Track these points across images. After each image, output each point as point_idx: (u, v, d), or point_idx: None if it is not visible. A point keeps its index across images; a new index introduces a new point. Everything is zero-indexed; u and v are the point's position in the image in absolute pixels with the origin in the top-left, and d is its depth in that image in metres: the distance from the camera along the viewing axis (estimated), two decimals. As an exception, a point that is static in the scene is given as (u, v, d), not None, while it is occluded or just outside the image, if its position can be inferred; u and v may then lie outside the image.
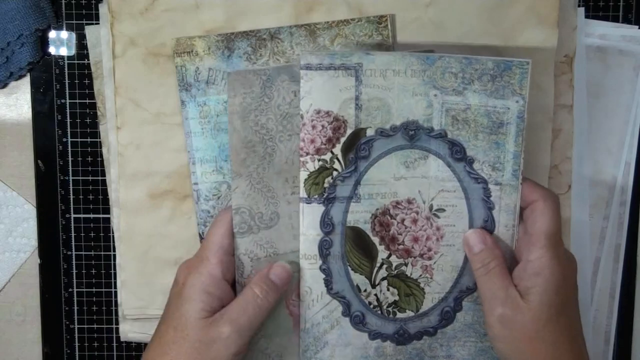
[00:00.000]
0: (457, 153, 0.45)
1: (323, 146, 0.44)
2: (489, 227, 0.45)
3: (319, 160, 0.44)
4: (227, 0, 0.51)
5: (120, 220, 0.53)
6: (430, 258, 0.46)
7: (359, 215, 0.45)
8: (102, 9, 0.52)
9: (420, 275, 0.46)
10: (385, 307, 0.46)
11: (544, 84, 0.52)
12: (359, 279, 0.46)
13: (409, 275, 0.46)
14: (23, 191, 0.56)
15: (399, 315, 0.47)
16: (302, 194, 0.44)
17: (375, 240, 0.46)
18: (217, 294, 0.44)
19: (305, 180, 0.44)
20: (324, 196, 0.45)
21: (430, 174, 0.45)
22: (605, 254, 0.56)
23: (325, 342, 0.46)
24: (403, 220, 0.46)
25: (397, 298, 0.46)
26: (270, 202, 0.46)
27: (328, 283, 0.46)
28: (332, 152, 0.44)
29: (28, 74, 0.54)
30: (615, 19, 0.54)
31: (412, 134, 0.44)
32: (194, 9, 0.51)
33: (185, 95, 0.51)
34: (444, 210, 0.45)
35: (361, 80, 0.44)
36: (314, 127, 0.44)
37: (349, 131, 0.44)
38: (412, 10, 0.51)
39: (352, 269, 0.46)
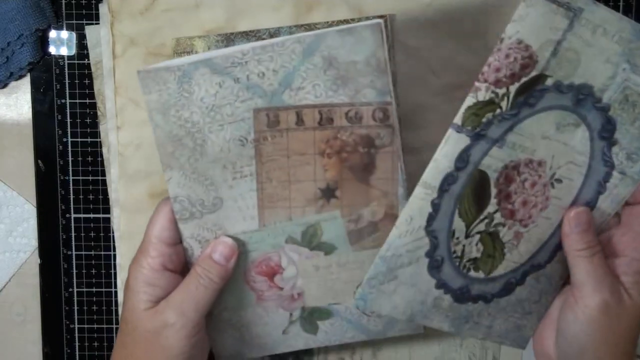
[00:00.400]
0: (607, 132, 0.43)
1: (504, 79, 0.41)
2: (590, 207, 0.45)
3: (492, 92, 0.41)
4: (227, 0, 0.51)
5: (120, 220, 0.53)
6: (526, 226, 0.45)
7: (494, 161, 0.43)
8: (102, 9, 0.52)
9: (509, 240, 0.45)
10: (464, 261, 0.45)
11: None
12: (459, 224, 0.44)
13: (501, 237, 0.45)
14: (23, 191, 0.56)
15: (472, 273, 0.46)
16: (457, 119, 0.42)
17: (494, 191, 0.44)
18: (160, 284, 0.44)
19: (469, 107, 0.42)
20: (476, 131, 0.42)
21: (571, 142, 0.44)
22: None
23: (395, 276, 0.45)
24: (525, 180, 0.44)
25: (479, 255, 0.45)
26: (209, 188, 0.45)
27: (430, 219, 0.44)
28: (507, 89, 0.42)
29: (28, 74, 0.54)
30: (615, 19, 0.54)
31: (580, 99, 0.43)
32: (194, 9, 0.51)
33: (185, 95, 0.51)
34: (561, 181, 0.44)
35: (573, 26, 0.41)
36: (507, 56, 0.41)
37: (533, 73, 0.42)
38: (412, 10, 0.51)
39: (459, 213, 0.44)
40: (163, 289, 0.44)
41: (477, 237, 0.45)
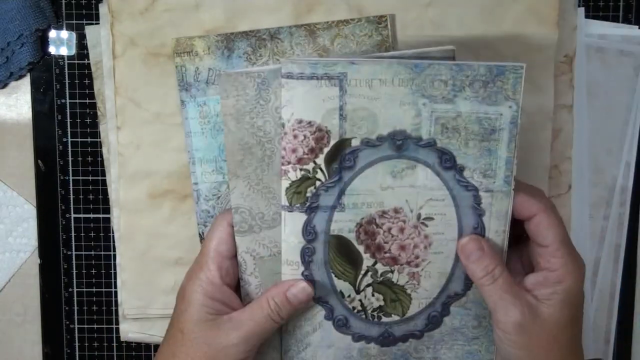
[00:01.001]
0: (447, 162, 0.44)
1: (305, 156, 0.43)
2: (478, 233, 0.45)
3: (300, 169, 0.43)
4: (227, 0, 0.51)
5: (120, 220, 0.53)
6: (417, 265, 0.45)
7: (343, 224, 0.44)
8: (102, 9, 0.52)
9: (407, 282, 0.46)
10: (370, 311, 0.46)
11: (544, 84, 0.52)
12: (342, 285, 0.45)
13: (395, 282, 0.45)
14: (23, 191, 0.56)
15: (385, 319, 0.46)
16: (284, 202, 0.43)
17: (360, 248, 0.45)
18: (219, 298, 0.44)
19: (287, 188, 0.43)
20: (306, 205, 0.43)
21: (418, 183, 0.44)
22: (605, 254, 0.56)
23: (308, 344, 0.46)
24: (390, 229, 0.45)
25: (382, 303, 0.46)
26: (271, 202, 0.45)
27: None
28: (314, 162, 0.43)
29: (28, 74, 0.54)
30: (615, 19, 0.54)
31: (400, 144, 0.43)
32: (194, 9, 0.51)
33: (185, 95, 0.51)
34: (432, 218, 0.44)
35: (346, 90, 0.42)
36: (295, 136, 0.42)
37: (332, 141, 0.43)
38: (412, 10, 0.51)
39: (335, 276, 0.45)
40: (222, 303, 0.44)
41: (370, 289, 0.45)
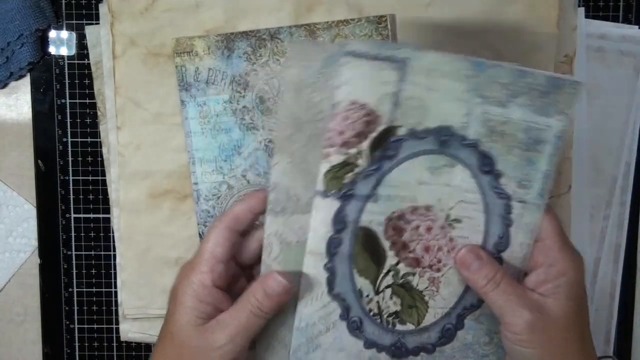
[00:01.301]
0: (486, 165, 0.43)
1: (351, 140, 0.41)
2: (503, 243, 0.44)
3: (344, 153, 0.41)
4: (227, 0, 0.51)
5: (120, 220, 0.53)
6: (439, 270, 0.44)
7: (374, 216, 0.43)
8: (102, 9, 0.52)
9: (426, 288, 0.45)
10: (385, 316, 0.45)
11: (544, 84, 0.52)
12: (363, 283, 0.44)
13: (414, 286, 0.45)
14: (23, 191, 0.56)
15: (399, 327, 0.45)
16: (319, 186, 0.42)
17: (386, 244, 0.44)
18: (210, 301, 0.44)
19: (326, 172, 0.41)
20: (342, 192, 0.42)
21: (453, 182, 0.43)
22: (605, 254, 0.56)
23: (318, 345, 0.45)
24: (418, 227, 0.44)
25: (399, 308, 0.45)
26: (309, 186, 0.43)
27: (330, 283, 0.44)
28: (359, 147, 0.41)
29: (28, 74, 0.54)
30: (615, 19, 0.54)
31: (444, 140, 0.42)
32: (194, 9, 0.51)
33: (185, 95, 0.51)
34: (460, 221, 0.44)
35: (405, 76, 0.41)
36: (345, 118, 0.41)
37: (380, 127, 0.41)
38: (412, 10, 0.51)
39: (357, 272, 0.44)
40: (212, 306, 0.44)
41: (389, 291, 0.44)
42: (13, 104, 0.55)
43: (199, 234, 0.52)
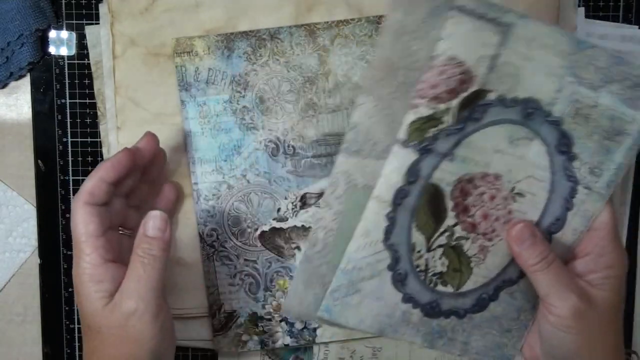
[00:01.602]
0: (564, 146, 0.43)
1: (443, 95, 0.41)
2: (557, 225, 0.44)
3: (432, 107, 0.41)
4: (227, 0, 0.51)
5: (120, 220, 0.53)
6: (490, 239, 0.44)
7: (446, 175, 0.43)
8: (102, 9, 0.52)
9: (475, 254, 0.45)
10: (430, 275, 0.45)
11: (544, 83, 0.51)
12: (418, 238, 0.44)
13: (465, 250, 0.44)
14: (23, 191, 0.56)
15: (439, 287, 0.45)
16: (401, 135, 0.41)
17: (450, 204, 0.43)
18: (107, 278, 0.43)
19: (412, 123, 0.41)
20: (422, 145, 0.41)
21: (528, 156, 0.43)
22: (606, 254, 0.56)
23: (358, 290, 0.44)
24: (483, 193, 0.43)
25: (444, 270, 0.45)
26: (390, 133, 0.42)
27: (388, 232, 0.43)
28: (448, 104, 0.41)
29: (28, 74, 0.54)
30: (615, 19, 0.54)
31: (530, 112, 0.42)
32: (194, 9, 0.51)
33: (185, 95, 0.51)
34: (523, 195, 0.43)
35: (506, 41, 0.41)
36: (441, 72, 0.40)
37: (473, 88, 0.41)
38: (412, 10, 0.51)
39: (416, 226, 0.43)
40: (111, 282, 0.43)
41: (440, 250, 0.44)
42: (13, 104, 0.55)
43: (199, 234, 0.52)
